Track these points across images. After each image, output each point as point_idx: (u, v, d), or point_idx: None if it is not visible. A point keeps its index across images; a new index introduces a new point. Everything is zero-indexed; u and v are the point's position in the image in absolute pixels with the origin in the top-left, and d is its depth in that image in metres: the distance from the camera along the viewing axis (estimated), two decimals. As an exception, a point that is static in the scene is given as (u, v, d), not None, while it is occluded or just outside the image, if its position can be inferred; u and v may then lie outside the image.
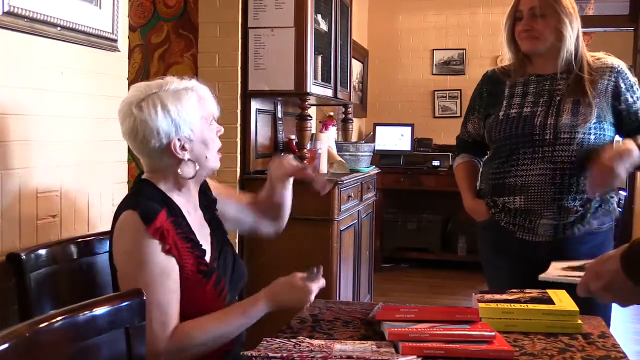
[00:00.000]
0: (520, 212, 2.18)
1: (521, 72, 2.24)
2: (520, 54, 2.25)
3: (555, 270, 1.64)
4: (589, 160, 2.09)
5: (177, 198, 1.69)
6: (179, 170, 1.66)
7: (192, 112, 1.64)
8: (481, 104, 2.34)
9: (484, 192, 2.32)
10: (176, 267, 1.60)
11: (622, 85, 2.17)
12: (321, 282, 1.66)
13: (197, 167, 1.67)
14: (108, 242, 1.69)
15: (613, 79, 2.16)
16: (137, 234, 1.57)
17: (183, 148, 1.64)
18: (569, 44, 2.16)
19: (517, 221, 2.19)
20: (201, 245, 1.68)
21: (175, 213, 1.65)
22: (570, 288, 1.64)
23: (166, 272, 1.58)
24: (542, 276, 1.53)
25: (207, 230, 1.77)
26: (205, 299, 1.65)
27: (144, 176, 1.72)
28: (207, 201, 1.83)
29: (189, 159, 1.66)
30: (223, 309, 1.65)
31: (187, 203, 1.72)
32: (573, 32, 2.16)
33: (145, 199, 1.63)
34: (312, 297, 1.63)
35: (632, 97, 2.17)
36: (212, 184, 1.90)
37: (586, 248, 2.16)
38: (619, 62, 2.21)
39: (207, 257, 1.69)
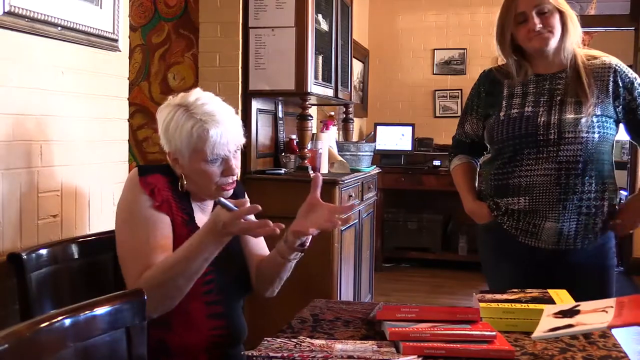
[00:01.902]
0: (524, 214, 2.16)
1: (522, 74, 2.20)
2: (518, 58, 2.21)
3: (548, 320, 1.58)
4: (594, 160, 2.10)
5: (192, 194, 1.78)
6: (184, 180, 1.75)
7: (184, 141, 1.69)
8: (479, 103, 2.31)
9: (485, 193, 2.29)
10: (168, 224, 1.67)
11: (622, 82, 2.15)
12: (242, 211, 1.53)
13: (185, 183, 1.74)
14: None
15: (612, 78, 2.15)
16: (130, 184, 1.72)
17: (176, 161, 1.73)
18: (572, 40, 2.15)
19: (520, 225, 2.17)
20: (196, 223, 1.73)
21: (181, 193, 1.73)
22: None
23: (154, 225, 1.65)
24: (535, 336, 1.49)
25: None
26: None
27: None
28: None
29: (182, 174, 1.74)
30: (178, 250, 1.62)
31: (197, 199, 1.79)
32: (574, 27, 2.15)
33: (154, 165, 1.79)
34: (237, 224, 1.52)
35: (633, 93, 2.16)
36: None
37: (589, 249, 2.15)
38: (616, 61, 2.20)
39: None
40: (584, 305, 1.57)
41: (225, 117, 1.71)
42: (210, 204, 1.82)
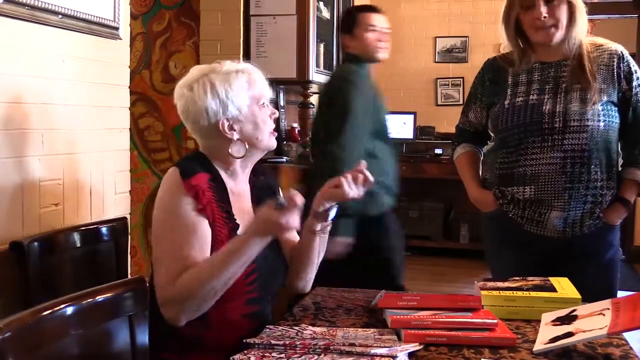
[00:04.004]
0: (529, 204, 2.14)
1: (525, 61, 2.19)
2: (523, 44, 2.20)
3: (546, 329, 1.56)
4: (600, 149, 2.09)
5: (227, 179, 1.72)
6: (230, 150, 1.69)
7: (240, 94, 1.67)
8: (484, 92, 2.30)
9: (489, 182, 2.28)
10: (208, 229, 1.61)
11: (624, 70, 2.13)
12: (295, 206, 1.53)
13: (247, 147, 1.70)
14: None
15: (617, 64, 2.13)
16: (173, 187, 1.63)
17: (231, 128, 1.68)
18: (579, 31, 2.12)
19: (525, 214, 2.15)
20: (236, 220, 1.68)
21: (219, 184, 1.68)
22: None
23: (194, 229, 1.59)
24: (536, 349, 1.47)
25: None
26: None
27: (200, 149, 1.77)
28: (269, 195, 1.80)
29: (238, 139, 1.69)
30: (217, 254, 1.59)
31: (235, 186, 1.73)
32: (582, 18, 2.12)
33: (191, 161, 1.71)
34: (291, 222, 1.52)
35: (630, 83, 2.14)
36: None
37: (595, 239, 2.13)
38: (621, 48, 2.18)
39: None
40: (581, 310, 1.56)
41: (250, 66, 1.74)
42: (239, 177, 1.77)
